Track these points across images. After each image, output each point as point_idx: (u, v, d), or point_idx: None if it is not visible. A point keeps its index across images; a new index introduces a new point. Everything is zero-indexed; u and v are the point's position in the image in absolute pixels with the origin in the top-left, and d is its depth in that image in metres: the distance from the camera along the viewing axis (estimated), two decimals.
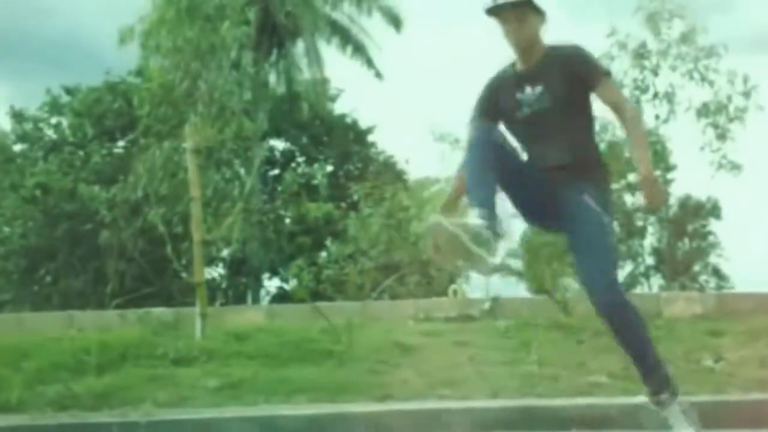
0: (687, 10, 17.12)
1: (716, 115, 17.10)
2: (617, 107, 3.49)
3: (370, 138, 24.31)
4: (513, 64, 3.61)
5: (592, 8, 40.42)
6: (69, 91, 21.40)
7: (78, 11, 38.50)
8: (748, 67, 17.42)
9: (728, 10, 37.03)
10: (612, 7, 32.91)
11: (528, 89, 3.49)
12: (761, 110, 16.78)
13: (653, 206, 3.42)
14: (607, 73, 3.51)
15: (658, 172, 20.15)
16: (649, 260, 26.40)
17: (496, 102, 3.58)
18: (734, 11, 37.56)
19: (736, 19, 37.17)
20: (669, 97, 17.58)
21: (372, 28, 22.17)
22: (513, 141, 3.54)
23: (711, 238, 27.09)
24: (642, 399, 4.54)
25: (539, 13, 3.50)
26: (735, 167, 17.16)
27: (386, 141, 29.91)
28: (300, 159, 24.16)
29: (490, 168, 3.28)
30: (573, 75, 3.44)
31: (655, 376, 3.48)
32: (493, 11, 3.47)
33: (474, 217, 3.16)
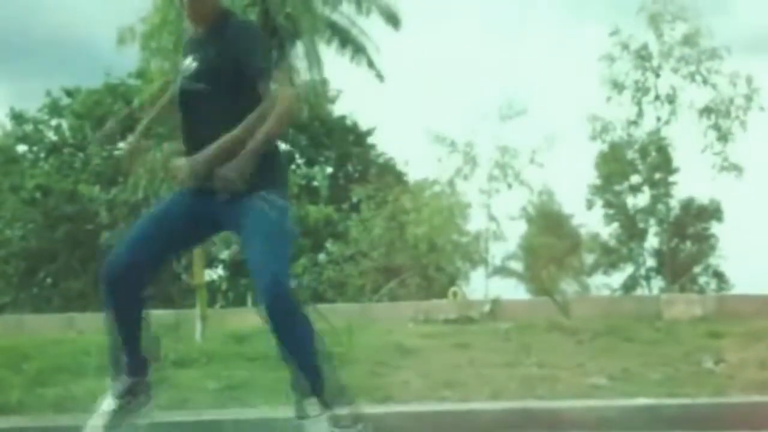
0: (689, 12, 17.19)
1: (718, 117, 17.16)
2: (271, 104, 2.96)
3: (370, 140, 24.35)
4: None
5: (594, 8, 40.42)
6: (69, 93, 21.43)
7: (77, 12, 38.56)
8: (748, 69, 17.45)
9: (727, 12, 37.04)
10: (614, 8, 32.96)
11: (189, 59, 3.10)
12: (762, 111, 16.84)
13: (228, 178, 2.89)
14: (266, 71, 3.01)
15: (659, 175, 20.09)
16: (650, 262, 26.42)
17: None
18: (733, 13, 37.55)
19: (736, 21, 37.18)
20: (670, 99, 17.65)
21: (370, 27, 22.18)
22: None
23: (712, 240, 27.11)
24: (642, 401, 4.55)
25: None
26: (736, 169, 17.23)
27: (386, 142, 29.98)
28: (300, 161, 24.18)
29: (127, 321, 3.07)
30: (234, 57, 2.99)
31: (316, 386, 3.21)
32: None
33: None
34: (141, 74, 18.92)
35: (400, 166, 22.90)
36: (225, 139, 2.94)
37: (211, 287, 17.89)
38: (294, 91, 3.26)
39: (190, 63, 3.09)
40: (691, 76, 17.36)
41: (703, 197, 25.88)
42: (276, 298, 2.94)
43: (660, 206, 22.45)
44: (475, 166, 18.83)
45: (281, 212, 3.00)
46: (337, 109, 24.08)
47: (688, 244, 26.91)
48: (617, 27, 17.52)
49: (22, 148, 21.41)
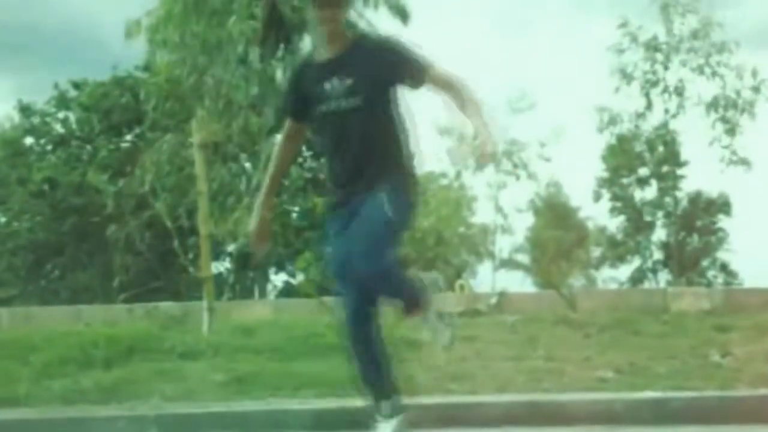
0: (701, 4, 17.12)
1: (726, 110, 17.08)
2: (449, 86, 3.20)
3: None
4: (312, 53, 3.53)
5: (602, 0, 40.27)
6: (76, 86, 21.44)
7: (85, 5, 38.58)
8: (755, 62, 17.37)
9: (734, 5, 36.84)
10: (621, 0, 32.77)
11: (335, 81, 3.24)
12: None
13: (486, 158, 3.08)
14: (430, 63, 3.22)
15: (666, 168, 20.08)
16: (657, 255, 26.37)
17: (302, 96, 3.35)
18: (740, 6, 37.33)
19: (743, 14, 36.98)
20: (679, 91, 17.57)
21: (379, 21, 22.11)
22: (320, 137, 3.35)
23: (720, 234, 27.03)
24: (649, 394, 4.55)
25: None
26: (744, 163, 17.17)
27: None
28: (306, 154, 24.15)
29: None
30: (385, 67, 3.21)
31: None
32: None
33: None
34: (148, 67, 18.92)
35: None
36: (481, 122, 3.12)
37: (218, 280, 17.87)
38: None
39: (336, 84, 3.24)
40: (700, 69, 17.30)
41: (711, 190, 25.81)
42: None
43: (667, 199, 22.40)
44: None
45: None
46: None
47: (696, 237, 26.84)
48: (626, 19, 17.45)
49: (29, 140, 21.45)
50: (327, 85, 3.24)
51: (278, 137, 3.60)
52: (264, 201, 3.53)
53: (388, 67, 3.21)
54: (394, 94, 3.28)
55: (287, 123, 3.50)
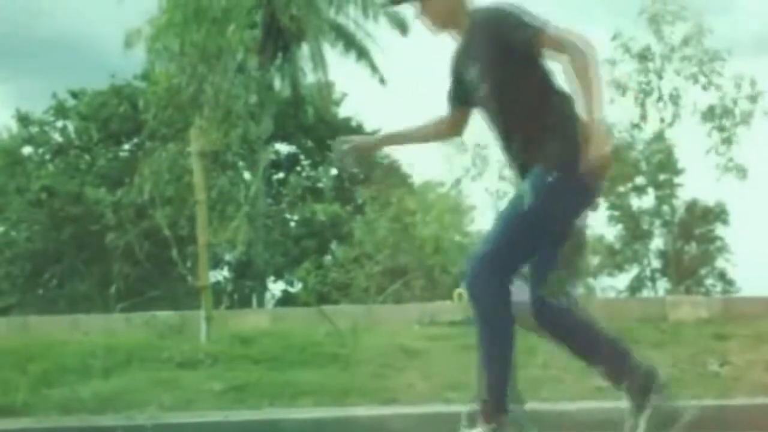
0: (689, 11, 17.11)
1: (722, 119, 17.07)
2: (562, 51, 2.94)
3: None
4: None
5: (594, 11, 40.32)
6: (75, 95, 21.49)
7: (84, 14, 38.65)
8: (752, 70, 17.38)
9: (726, 13, 36.90)
10: (614, 11, 32.87)
11: (471, 68, 3.10)
12: (767, 115, 16.76)
13: (598, 160, 2.82)
14: (541, 27, 2.95)
15: (663, 177, 19.91)
16: (655, 264, 26.38)
17: (458, 83, 3.22)
18: (732, 13, 37.38)
19: (735, 21, 37.02)
20: (674, 100, 17.56)
21: (377, 31, 22.20)
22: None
23: (718, 242, 27.07)
24: None
25: None
26: (741, 171, 17.15)
27: None
28: (305, 162, 24.22)
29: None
30: (498, 42, 2.97)
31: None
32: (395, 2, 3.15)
33: None
34: (146, 76, 18.96)
35: (405, 168, 22.91)
36: (592, 108, 2.87)
37: (216, 289, 17.85)
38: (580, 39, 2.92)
39: (473, 72, 3.08)
40: (694, 78, 17.29)
41: (708, 199, 25.87)
42: (473, 278, 3.07)
43: (665, 207, 22.39)
44: (486, 167, 18.75)
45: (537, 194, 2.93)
46: (342, 111, 24.13)
47: (694, 245, 26.88)
48: (619, 30, 17.46)
49: (27, 149, 21.49)
50: (466, 75, 3.14)
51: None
52: (384, 139, 3.61)
53: (500, 41, 2.96)
54: (522, 58, 2.99)
55: (448, 109, 3.34)
